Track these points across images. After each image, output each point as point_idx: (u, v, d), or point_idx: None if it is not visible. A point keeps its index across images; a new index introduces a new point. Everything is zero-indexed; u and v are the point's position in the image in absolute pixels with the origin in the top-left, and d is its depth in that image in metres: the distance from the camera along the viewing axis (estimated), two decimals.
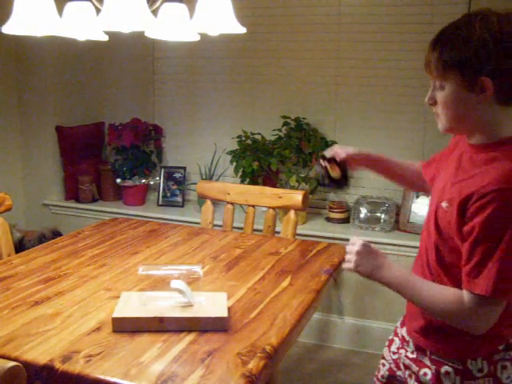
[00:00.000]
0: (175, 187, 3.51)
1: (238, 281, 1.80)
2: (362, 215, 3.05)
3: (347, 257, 1.36)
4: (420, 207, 2.99)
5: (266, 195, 2.44)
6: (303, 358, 2.82)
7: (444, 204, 1.26)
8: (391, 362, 1.51)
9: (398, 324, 1.54)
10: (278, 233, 2.47)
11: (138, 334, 1.42)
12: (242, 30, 1.78)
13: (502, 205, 1.11)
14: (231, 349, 1.35)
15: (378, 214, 3.02)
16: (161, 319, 1.44)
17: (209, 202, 2.53)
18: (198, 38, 1.85)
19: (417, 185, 1.65)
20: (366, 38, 3.07)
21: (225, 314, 1.47)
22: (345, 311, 3.00)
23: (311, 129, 3.15)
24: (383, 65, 3.06)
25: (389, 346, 1.54)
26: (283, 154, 3.04)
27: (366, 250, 1.34)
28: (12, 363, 1.01)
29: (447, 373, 1.31)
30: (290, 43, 3.17)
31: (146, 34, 1.72)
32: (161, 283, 1.71)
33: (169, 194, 3.52)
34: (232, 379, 1.23)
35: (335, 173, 1.60)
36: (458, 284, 1.23)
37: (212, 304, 1.52)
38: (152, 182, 3.53)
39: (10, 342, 1.36)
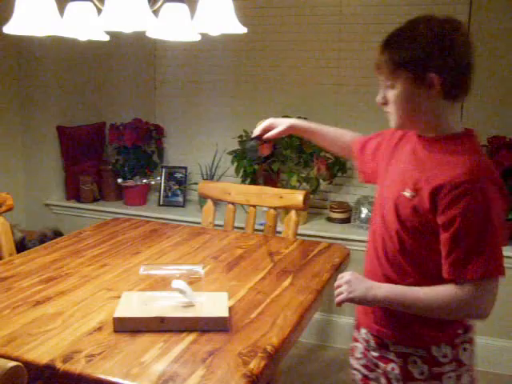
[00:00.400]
0: (176, 187, 3.51)
1: (239, 281, 1.80)
2: (363, 215, 3.05)
3: (338, 290, 1.36)
4: None
5: (266, 195, 2.44)
6: (304, 358, 2.82)
7: (407, 193, 1.29)
8: (360, 368, 1.52)
9: (355, 331, 1.55)
10: (280, 233, 2.47)
11: (139, 333, 1.42)
12: (243, 29, 1.78)
13: (476, 195, 1.19)
14: (232, 349, 1.35)
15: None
16: (162, 319, 1.44)
17: (210, 202, 2.53)
18: (199, 37, 1.85)
19: (342, 154, 1.85)
20: (366, 38, 3.06)
21: (226, 313, 1.47)
22: (346, 310, 2.99)
23: None
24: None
25: (352, 355, 1.56)
26: (284, 154, 3.04)
27: (354, 277, 1.35)
28: (13, 363, 1.01)
29: (414, 362, 1.34)
30: (290, 43, 3.17)
31: (147, 34, 1.72)
32: (162, 283, 1.72)
33: (170, 194, 3.52)
34: (233, 379, 1.23)
35: (265, 151, 1.72)
36: (420, 272, 1.30)
37: (213, 304, 1.52)
38: (153, 182, 3.53)
39: (11, 342, 1.36)
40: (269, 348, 1.36)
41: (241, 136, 3.21)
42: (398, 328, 1.37)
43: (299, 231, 2.44)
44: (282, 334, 1.44)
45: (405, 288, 1.31)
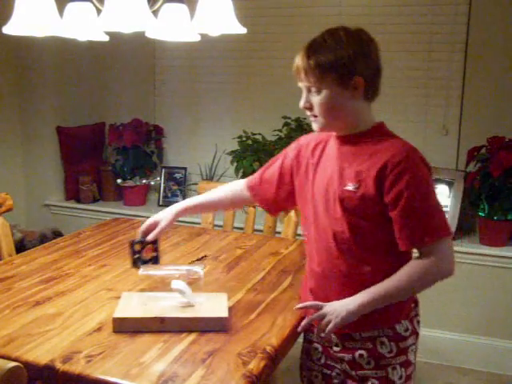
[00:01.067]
0: (176, 187, 3.51)
1: (238, 281, 1.80)
2: None
3: (323, 323, 1.37)
4: None
5: None
6: None
7: (350, 187, 1.37)
8: (321, 369, 1.54)
9: (304, 334, 1.57)
10: (279, 233, 2.47)
11: (139, 334, 1.42)
12: (243, 30, 1.78)
13: (414, 169, 1.31)
14: (232, 349, 1.35)
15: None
16: (161, 319, 1.44)
17: None
18: (198, 38, 1.85)
19: (246, 204, 1.95)
20: None
21: (225, 314, 1.47)
22: None
23: (312, 129, 3.14)
24: (383, 65, 3.05)
25: (309, 358, 1.56)
26: None
27: (329, 305, 1.38)
28: (13, 363, 1.01)
29: (382, 343, 1.40)
30: (290, 43, 3.17)
31: (146, 35, 1.72)
32: (161, 283, 1.72)
33: (169, 195, 3.52)
34: (233, 379, 1.23)
35: (149, 255, 1.65)
36: (376, 258, 1.38)
37: (212, 304, 1.52)
38: (153, 183, 3.53)
39: (11, 342, 1.36)
40: (268, 348, 1.36)
41: (240, 136, 3.21)
42: (362, 322, 1.39)
43: (299, 231, 2.44)
44: (281, 335, 1.44)
45: (378, 285, 1.36)
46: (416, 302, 1.49)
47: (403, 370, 1.41)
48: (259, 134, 3.23)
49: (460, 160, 2.97)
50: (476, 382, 2.72)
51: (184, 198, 3.49)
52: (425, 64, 2.99)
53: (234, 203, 1.79)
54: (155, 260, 1.67)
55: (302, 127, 3.10)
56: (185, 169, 3.52)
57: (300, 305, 1.48)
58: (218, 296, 1.59)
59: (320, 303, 1.40)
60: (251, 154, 3.09)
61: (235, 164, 3.12)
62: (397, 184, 1.31)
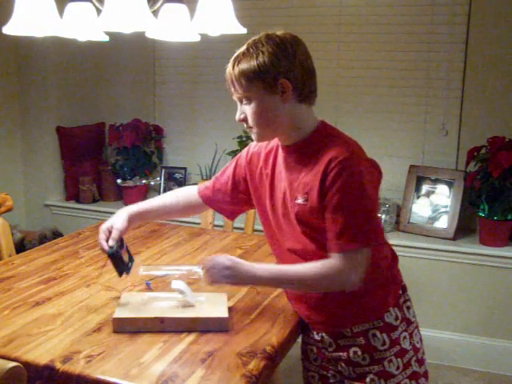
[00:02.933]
0: (176, 188, 3.51)
1: None
2: None
3: (211, 272, 1.42)
4: (420, 208, 2.99)
5: None
6: None
7: (300, 200, 1.37)
8: (317, 370, 1.54)
9: (302, 335, 1.57)
10: None
11: (139, 334, 1.42)
12: (243, 30, 1.78)
13: (352, 171, 1.29)
14: (232, 349, 1.35)
15: (379, 215, 3.01)
16: (161, 320, 1.44)
17: None
18: (198, 38, 1.85)
19: (189, 213, 1.87)
20: (366, 39, 3.07)
21: (225, 314, 1.47)
22: None
23: None
24: (383, 65, 3.06)
25: (307, 359, 1.57)
26: None
27: (234, 263, 1.40)
28: (13, 363, 1.01)
29: (374, 335, 1.39)
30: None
31: (146, 35, 1.72)
32: (161, 284, 1.72)
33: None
34: (232, 380, 1.23)
35: (125, 257, 1.60)
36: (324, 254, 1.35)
37: (212, 304, 1.52)
38: (153, 183, 3.53)
39: (11, 343, 1.36)
40: (268, 348, 1.36)
41: (240, 136, 3.21)
42: (351, 316, 1.41)
43: None
44: (281, 335, 1.44)
45: (284, 270, 1.39)
46: (404, 288, 1.49)
47: (399, 360, 1.40)
48: None
49: (460, 160, 2.97)
50: (476, 382, 2.72)
51: None
52: (425, 64, 2.99)
53: (188, 209, 1.76)
54: (131, 259, 1.64)
55: None
56: (185, 169, 3.51)
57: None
58: (218, 296, 1.59)
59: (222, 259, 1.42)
60: None
61: None
62: (334, 185, 1.29)
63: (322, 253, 1.35)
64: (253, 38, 1.38)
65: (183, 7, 1.74)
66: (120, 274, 1.56)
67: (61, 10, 1.63)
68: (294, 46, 1.35)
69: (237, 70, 1.35)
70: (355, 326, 1.41)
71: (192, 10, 1.75)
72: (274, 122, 1.38)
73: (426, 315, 2.87)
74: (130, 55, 3.56)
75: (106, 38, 1.79)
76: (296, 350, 1.59)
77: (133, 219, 1.65)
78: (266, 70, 1.32)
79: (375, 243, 1.35)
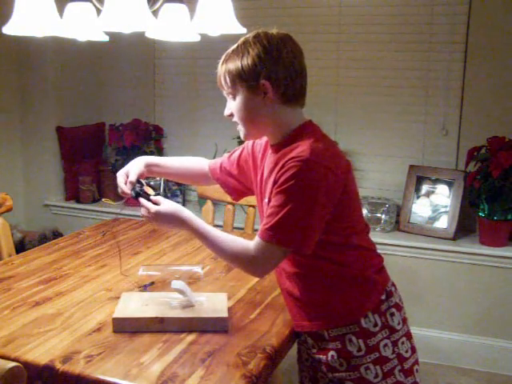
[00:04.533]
0: (176, 187, 3.51)
1: (238, 281, 1.80)
2: None
3: (145, 213, 1.49)
4: (420, 208, 2.99)
5: None
6: None
7: (266, 200, 1.41)
8: (308, 370, 1.53)
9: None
10: None
11: (139, 334, 1.42)
12: (243, 30, 1.78)
13: (301, 169, 1.27)
14: (232, 349, 1.35)
15: (379, 215, 3.01)
16: (161, 319, 1.44)
17: (209, 203, 2.53)
18: (198, 38, 1.86)
19: (200, 181, 1.90)
20: (366, 39, 3.07)
21: (225, 314, 1.47)
22: None
23: None
24: (383, 65, 3.06)
25: (300, 360, 1.57)
26: None
27: (158, 214, 1.46)
28: (12, 363, 1.01)
29: (350, 340, 1.38)
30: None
31: (146, 35, 1.73)
32: (161, 284, 1.72)
33: (169, 195, 3.52)
34: (232, 380, 1.23)
35: (150, 191, 1.62)
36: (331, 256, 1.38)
37: (212, 304, 1.52)
38: (152, 183, 3.52)
39: (11, 343, 1.36)
40: (268, 348, 1.36)
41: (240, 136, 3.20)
42: (326, 314, 1.41)
43: None
44: (281, 335, 1.44)
45: (204, 228, 1.42)
46: (388, 294, 1.43)
47: (378, 367, 1.37)
48: None
49: (460, 160, 2.97)
50: (476, 382, 2.72)
51: (184, 197, 3.50)
52: (425, 64, 2.99)
53: (198, 177, 1.81)
54: (155, 190, 1.63)
55: None
56: None
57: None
58: (218, 296, 1.59)
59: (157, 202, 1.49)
60: None
61: None
62: (282, 178, 1.30)
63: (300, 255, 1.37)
64: (245, 36, 1.40)
65: (183, 7, 1.74)
66: (135, 195, 1.57)
67: (61, 10, 1.63)
68: (280, 47, 1.35)
69: (224, 67, 1.40)
70: (332, 330, 1.39)
71: (192, 10, 1.75)
72: (256, 121, 1.40)
73: (426, 315, 2.88)
74: (130, 55, 3.56)
75: (106, 38, 1.79)
76: (296, 350, 1.59)
77: (148, 167, 1.72)
78: (248, 71, 1.34)
79: (294, 250, 1.33)
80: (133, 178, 1.62)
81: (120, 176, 1.64)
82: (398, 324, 1.42)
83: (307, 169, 1.28)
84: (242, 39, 1.40)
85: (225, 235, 1.42)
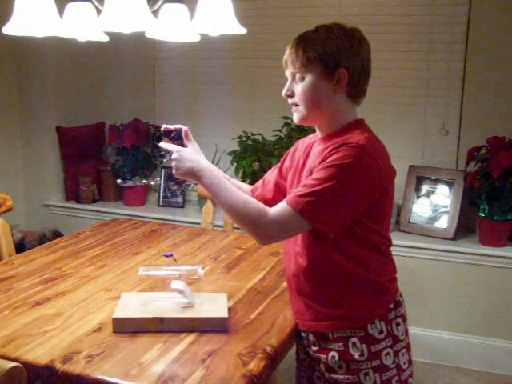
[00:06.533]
0: (176, 188, 3.51)
1: (238, 281, 1.80)
2: None
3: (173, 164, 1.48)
4: (421, 208, 2.99)
5: None
6: None
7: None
8: (306, 370, 1.53)
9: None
10: None
11: (139, 334, 1.42)
12: (243, 30, 1.78)
13: (355, 154, 1.27)
14: (232, 349, 1.35)
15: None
16: (161, 320, 1.44)
17: (209, 203, 2.53)
18: (198, 38, 1.85)
19: None
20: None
21: (225, 314, 1.47)
22: None
23: (312, 129, 3.14)
24: (383, 65, 3.06)
25: (298, 358, 1.57)
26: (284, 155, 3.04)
27: (180, 155, 1.49)
28: (12, 364, 1.01)
29: (353, 344, 1.37)
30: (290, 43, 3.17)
31: (146, 35, 1.72)
32: (161, 284, 1.72)
33: (169, 195, 3.52)
34: (232, 380, 1.23)
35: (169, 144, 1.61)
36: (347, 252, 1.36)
37: (212, 304, 1.52)
38: (152, 183, 3.53)
39: (11, 343, 1.36)
40: (268, 348, 1.36)
41: (240, 136, 3.21)
42: (335, 316, 1.40)
43: None
44: (281, 335, 1.44)
45: (227, 185, 1.42)
46: (396, 303, 1.43)
47: (377, 375, 1.37)
48: (259, 134, 3.23)
49: (460, 160, 2.97)
50: (476, 382, 2.72)
51: (184, 198, 3.49)
52: (425, 64, 2.99)
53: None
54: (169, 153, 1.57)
55: (302, 127, 3.10)
56: None
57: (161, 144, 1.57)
58: (218, 296, 1.59)
59: (177, 147, 1.52)
60: (251, 155, 3.09)
61: (235, 164, 3.11)
62: (328, 157, 1.30)
63: (320, 247, 1.37)
64: (323, 24, 1.40)
65: (183, 7, 1.74)
66: (154, 155, 1.53)
67: (61, 10, 1.63)
68: (361, 43, 1.38)
69: (301, 47, 1.37)
70: (337, 331, 1.39)
71: (192, 10, 1.75)
72: (318, 106, 1.40)
73: (426, 315, 2.87)
74: (130, 55, 3.55)
75: (106, 38, 1.79)
76: (295, 349, 1.59)
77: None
78: (330, 56, 1.34)
79: (315, 226, 1.32)
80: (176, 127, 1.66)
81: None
82: (402, 335, 1.42)
83: (360, 155, 1.28)
84: (320, 26, 1.39)
85: (240, 193, 1.40)
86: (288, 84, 1.42)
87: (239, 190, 1.42)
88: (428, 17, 2.94)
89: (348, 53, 1.35)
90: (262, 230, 1.35)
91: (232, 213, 1.40)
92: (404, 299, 1.48)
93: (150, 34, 1.73)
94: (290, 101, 1.43)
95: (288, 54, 1.41)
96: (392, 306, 1.41)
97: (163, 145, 1.51)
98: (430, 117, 3.02)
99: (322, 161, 1.32)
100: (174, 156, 1.48)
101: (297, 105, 1.42)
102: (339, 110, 1.40)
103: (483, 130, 2.84)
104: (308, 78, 1.37)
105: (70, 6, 1.64)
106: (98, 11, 1.60)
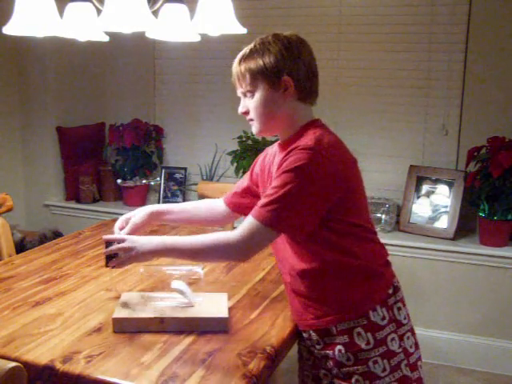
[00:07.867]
0: (176, 188, 3.51)
1: (238, 281, 1.80)
2: None
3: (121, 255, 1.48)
4: (421, 208, 2.99)
5: None
6: None
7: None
8: (310, 370, 1.53)
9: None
10: None
11: (139, 334, 1.42)
12: (243, 30, 1.78)
13: (304, 157, 1.31)
14: (232, 349, 1.35)
15: (379, 215, 3.01)
16: (161, 320, 1.44)
17: None
18: (198, 38, 1.85)
19: (213, 222, 1.82)
20: (365, 39, 3.07)
21: (225, 314, 1.47)
22: None
23: None
24: (383, 65, 3.06)
25: (301, 358, 1.57)
26: None
27: (133, 241, 1.47)
28: (13, 363, 1.01)
29: (358, 334, 1.38)
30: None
31: (146, 35, 1.73)
32: (161, 284, 1.72)
33: (169, 195, 3.52)
34: (232, 380, 1.23)
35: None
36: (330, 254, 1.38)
37: (212, 304, 1.52)
38: (152, 183, 3.53)
39: (11, 343, 1.36)
40: (268, 348, 1.36)
41: (240, 136, 3.21)
42: (335, 311, 1.41)
43: None
44: (281, 335, 1.44)
45: (176, 241, 1.47)
46: (395, 289, 1.45)
47: (386, 361, 1.38)
48: None
49: (460, 160, 2.97)
50: (476, 382, 2.72)
51: (184, 198, 3.50)
52: (425, 64, 2.99)
53: (209, 217, 1.78)
54: None
55: None
56: (185, 169, 3.52)
57: (104, 236, 1.55)
58: (218, 296, 1.59)
59: (124, 236, 1.50)
60: (251, 154, 3.09)
61: (235, 164, 3.11)
62: (283, 163, 1.33)
63: (303, 252, 1.39)
64: (260, 37, 1.45)
65: (183, 7, 1.74)
66: (106, 263, 1.54)
67: (61, 10, 1.64)
68: (299, 47, 1.41)
69: (243, 66, 1.42)
70: (340, 324, 1.40)
71: (192, 10, 1.75)
72: (273, 117, 1.44)
73: (426, 315, 2.88)
74: (130, 55, 3.56)
75: (106, 38, 1.79)
76: (296, 349, 1.59)
77: (153, 217, 1.71)
78: (271, 68, 1.38)
79: (283, 232, 1.37)
80: (127, 229, 1.64)
81: (119, 221, 1.68)
82: (405, 318, 1.44)
83: (311, 156, 1.31)
84: (257, 40, 1.44)
85: (194, 237, 1.44)
86: (242, 102, 1.47)
87: (192, 236, 1.45)
88: (428, 17, 2.94)
89: (288, 60, 1.39)
90: (236, 253, 1.38)
91: (203, 258, 1.47)
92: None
93: (150, 34, 1.74)
94: (247, 117, 1.47)
95: (234, 75, 1.46)
96: (391, 291, 1.43)
97: (107, 237, 1.53)
98: (430, 117, 3.02)
99: (278, 168, 1.36)
100: (125, 244, 1.47)
101: (253, 120, 1.46)
102: (294, 115, 1.44)
103: (483, 130, 2.84)
104: (257, 94, 1.41)
105: (70, 6, 1.65)
106: (98, 11, 1.60)
